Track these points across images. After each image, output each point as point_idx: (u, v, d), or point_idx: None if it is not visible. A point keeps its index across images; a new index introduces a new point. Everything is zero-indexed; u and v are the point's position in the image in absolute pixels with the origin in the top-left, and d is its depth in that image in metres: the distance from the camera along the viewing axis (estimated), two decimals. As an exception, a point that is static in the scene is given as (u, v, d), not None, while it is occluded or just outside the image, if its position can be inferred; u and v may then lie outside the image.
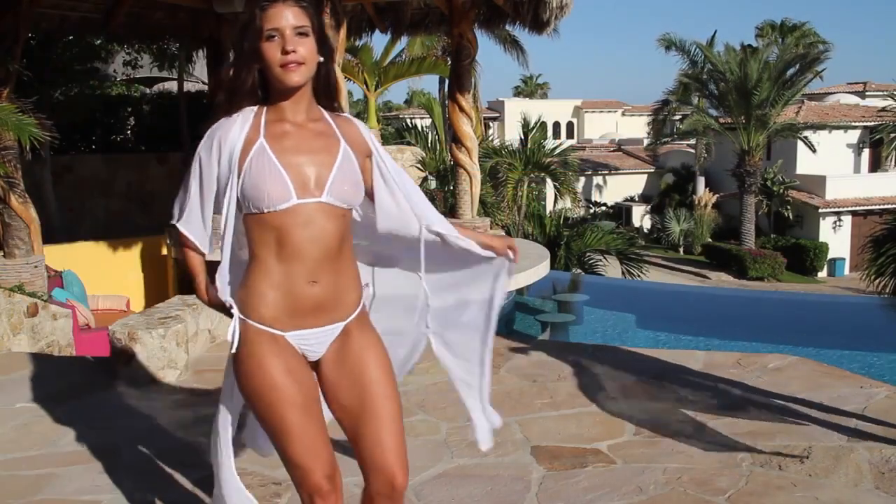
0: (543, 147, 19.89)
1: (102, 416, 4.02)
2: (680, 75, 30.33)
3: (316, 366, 2.03)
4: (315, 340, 1.97)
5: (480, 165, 10.19)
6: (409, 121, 26.88)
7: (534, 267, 8.24)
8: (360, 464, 1.99)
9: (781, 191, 29.09)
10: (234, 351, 1.95)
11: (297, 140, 1.91)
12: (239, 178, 1.88)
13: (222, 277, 2.02)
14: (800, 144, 28.55)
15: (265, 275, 1.90)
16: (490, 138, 28.34)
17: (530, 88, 53.74)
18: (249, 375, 1.93)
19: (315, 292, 1.90)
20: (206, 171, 1.95)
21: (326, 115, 1.99)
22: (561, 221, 18.37)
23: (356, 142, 1.99)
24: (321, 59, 1.91)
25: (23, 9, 7.08)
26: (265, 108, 1.94)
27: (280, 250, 1.88)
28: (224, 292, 1.99)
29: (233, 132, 1.90)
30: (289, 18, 1.84)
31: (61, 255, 8.76)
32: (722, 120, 29.22)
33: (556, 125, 45.91)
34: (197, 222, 2.04)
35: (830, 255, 27.94)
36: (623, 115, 48.89)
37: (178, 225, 2.05)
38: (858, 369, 5.70)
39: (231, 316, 1.97)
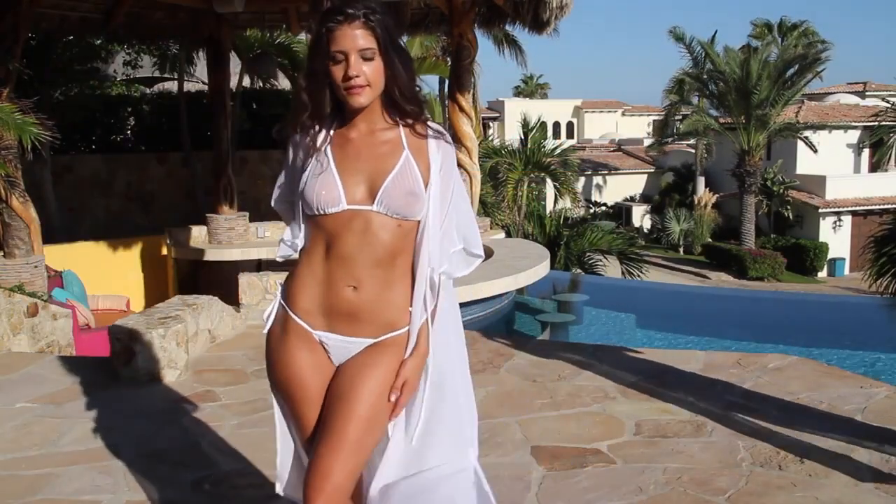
0: (543, 147, 19.90)
1: (102, 416, 4.02)
2: (680, 73, 30.35)
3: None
4: (337, 346, 1.94)
5: (480, 165, 10.20)
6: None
7: (534, 267, 8.25)
8: None
9: (781, 191, 29.10)
10: (265, 331, 2.01)
11: (359, 148, 1.92)
12: (302, 181, 1.93)
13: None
14: (800, 144, 28.56)
15: (311, 270, 1.93)
16: (490, 138, 28.34)
17: (530, 88, 53.71)
18: (276, 362, 1.98)
19: (353, 297, 1.90)
20: (288, 173, 2.04)
21: (400, 124, 1.94)
22: (561, 221, 18.38)
23: (422, 155, 1.93)
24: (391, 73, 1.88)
25: (23, 9, 7.09)
26: (336, 117, 1.96)
27: (328, 251, 1.90)
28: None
29: (305, 141, 1.95)
30: (355, 40, 1.82)
31: (61, 255, 8.77)
32: (722, 120, 29.23)
33: (556, 125, 45.91)
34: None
35: (830, 255, 27.94)
36: (623, 115, 48.89)
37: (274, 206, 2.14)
38: (858, 369, 5.71)
39: None
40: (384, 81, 1.87)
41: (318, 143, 1.93)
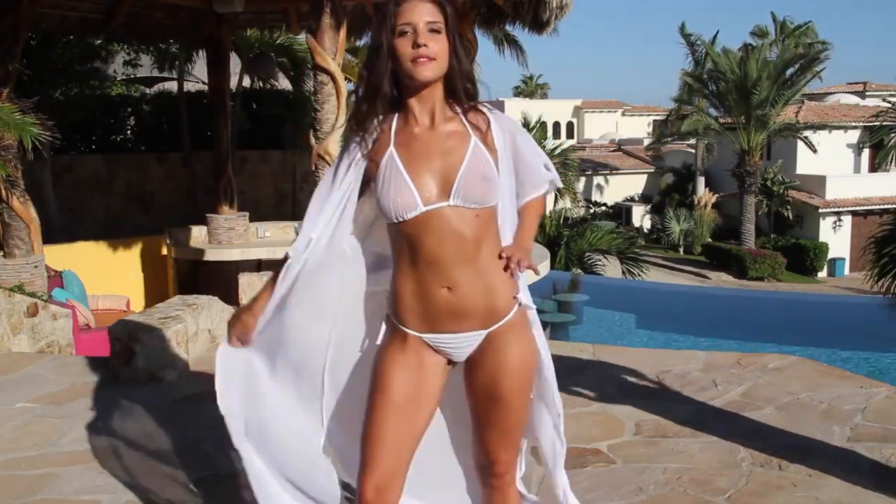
0: (543, 147, 19.89)
1: (102, 416, 4.01)
2: (682, 74, 30.34)
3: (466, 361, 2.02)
4: (451, 346, 1.94)
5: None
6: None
7: (534, 267, 8.24)
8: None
9: (781, 191, 29.09)
10: (377, 343, 2.01)
11: (426, 144, 1.89)
12: (373, 189, 1.91)
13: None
14: (800, 144, 28.55)
15: (402, 279, 1.92)
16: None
17: (530, 88, 53.71)
18: (375, 361, 1.99)
19: (449, 298, 1.88)
20: (337, 183, 1.99)
21: (461, 113, 1.93)
22: (561, 221, 18.38)
23: (488, 139, 1.93)
24: (454, 58, 1.88)
25: (23, 9, 7.09)
26: (396, 115, 1.93)
27: (413, 257, 1.88)
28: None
29: (366, 144, 1.92)
30: (422, 14, 1.82)
31: (61, 255, 8.77)
32: (722, 120, 29.24)
33: (556, 125, 45.85)
34: (312, 227, 2.04)
35: (830, 255, 27.93)
36: (623, 115, 48.84)
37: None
38: (859, 369, 5.71)
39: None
40: (448, 60, 1.86)
41: (382, 148, 1.90)
